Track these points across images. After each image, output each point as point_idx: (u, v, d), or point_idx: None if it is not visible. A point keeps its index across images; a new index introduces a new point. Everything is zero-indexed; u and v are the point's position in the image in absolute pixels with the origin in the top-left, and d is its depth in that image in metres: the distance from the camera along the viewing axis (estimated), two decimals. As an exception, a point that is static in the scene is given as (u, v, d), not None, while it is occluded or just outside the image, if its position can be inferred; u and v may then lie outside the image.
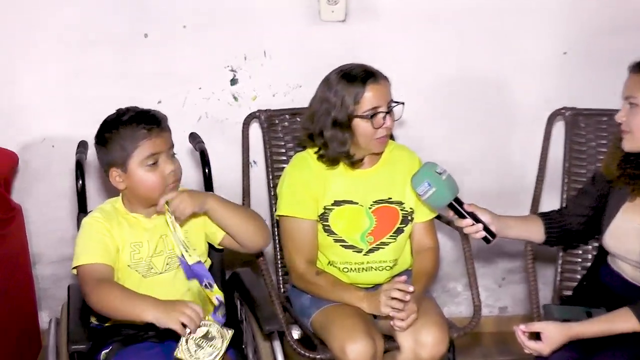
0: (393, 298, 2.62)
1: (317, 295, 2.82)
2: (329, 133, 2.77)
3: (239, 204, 2.69)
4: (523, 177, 3.58)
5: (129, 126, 2.49)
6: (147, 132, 2.48)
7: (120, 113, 2.54)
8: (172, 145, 2.56)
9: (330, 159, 2.81)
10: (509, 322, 3.36)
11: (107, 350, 2.52)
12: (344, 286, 2.80)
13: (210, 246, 2.73)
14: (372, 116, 2.73)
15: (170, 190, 2.52)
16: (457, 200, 2.59)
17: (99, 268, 2.48)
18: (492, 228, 2.60)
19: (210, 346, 2.37)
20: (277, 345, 2.58)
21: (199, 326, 2.36)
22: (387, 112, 2.75)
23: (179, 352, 2.35)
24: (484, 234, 2.59)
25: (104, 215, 2.57)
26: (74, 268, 2.52)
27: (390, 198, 2.88)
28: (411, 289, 2.62)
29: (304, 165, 2.86)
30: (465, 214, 2.59)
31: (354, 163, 2.82)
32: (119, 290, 2.44)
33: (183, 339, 2.35)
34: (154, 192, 2.52)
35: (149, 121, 2.50)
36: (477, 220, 2.59)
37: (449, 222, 3.06)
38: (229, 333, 2.40)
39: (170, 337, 2.48)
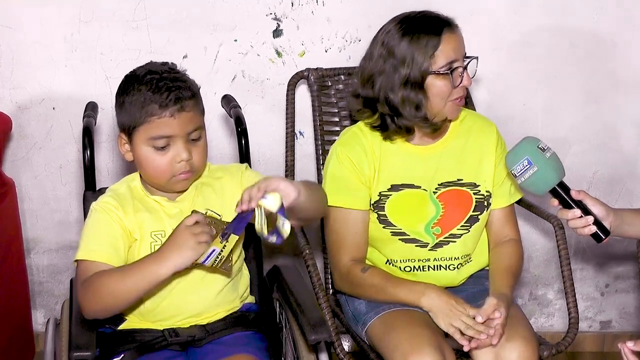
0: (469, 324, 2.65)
1: (367, 298, 2.85)
2: (400, 95, 2.77)
3: (307, 181, 2.60)
4: (638, 160, 3.59)
5: (142, 93, 2.46)
6: (159, 109, 2.45)
7: (144, 70, 2.52)
8: (198, 128, 2.52)
9: (404, 128, 2.82)
10: (614, 340, 3.37)
11: (118, 359, 2.55)
12: (398, 281, 2.82)
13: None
14: (451, 72, 2.75)
15: (183, 178, 2.53)
16: (562, 185, 2.56)
17: (100, 267, 2.49)
18: (606, 223, 2.57)
19: None
20: (323, 358, 2.60)
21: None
22: (464, 68, 2.78)
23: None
24: (594, 229, 2.55)
25: (116, 199, 2.59)
26: (76, 260, 2.55)
27: (461, 179, 2.88)
28: (491, 332, 2.62)
29: (355, 143, 2.86)
30: (572, 203, 2.57)
31: (436, 130, 2.83)
32: (114, 270, 2.46)
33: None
34: (155, 177, 2.55)
35: (168, 95, 2.45)
36: (587, 211, 2.55)
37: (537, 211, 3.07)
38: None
39: (194, 344, 2.54)
